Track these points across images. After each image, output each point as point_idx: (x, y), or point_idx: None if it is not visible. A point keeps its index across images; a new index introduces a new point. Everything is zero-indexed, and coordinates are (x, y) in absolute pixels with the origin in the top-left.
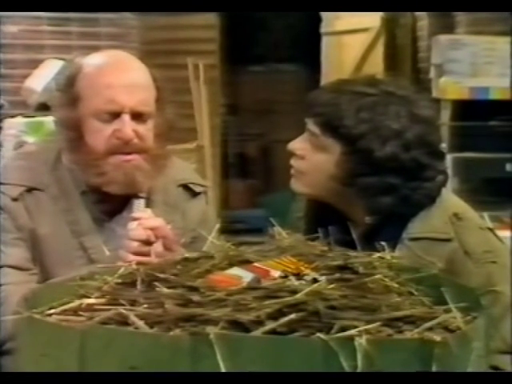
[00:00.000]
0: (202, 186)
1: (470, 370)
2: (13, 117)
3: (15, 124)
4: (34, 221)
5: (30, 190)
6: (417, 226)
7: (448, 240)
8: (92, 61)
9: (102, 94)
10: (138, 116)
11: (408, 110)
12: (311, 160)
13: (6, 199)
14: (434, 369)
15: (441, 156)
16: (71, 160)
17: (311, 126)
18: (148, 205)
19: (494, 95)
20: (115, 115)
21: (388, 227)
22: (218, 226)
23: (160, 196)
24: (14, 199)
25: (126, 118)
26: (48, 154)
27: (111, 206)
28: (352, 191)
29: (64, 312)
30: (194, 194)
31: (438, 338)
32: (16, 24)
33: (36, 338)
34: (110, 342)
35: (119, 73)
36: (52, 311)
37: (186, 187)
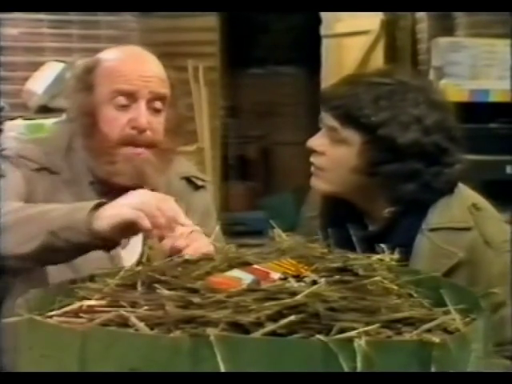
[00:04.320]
0: (204, 180)
1: (468, 371)
2: (13, 119)
3: (15, 126)
4: (48, 200)
5: (47, 169)
6: (436, 217)
7: (468, 229)
8: (111, 52)
9: (119, 79)
10: (152, 106)
11: (425, 97)
12: (332, 155)
13: (27, 169)
14: (432, 370)
15: (459, 142)
16: (84, 146)
17: (329, 120)
18: None
19: (493, 97)
20: (132, 99)
21: (407, 219)
22: (217, 228)
23: (163, 188)
24: (35, 170)
25: (142, 105)
26: (60, 141)
27: (116, 198)
28: (374, 182)
29: (65, 314)
30: (196, 188)
31: (436, 339)
32: (16, 26)
33: (36, 340)
34: (111, 344)
35: (138, 63)
36: (52, 313)
37: (188, 180)
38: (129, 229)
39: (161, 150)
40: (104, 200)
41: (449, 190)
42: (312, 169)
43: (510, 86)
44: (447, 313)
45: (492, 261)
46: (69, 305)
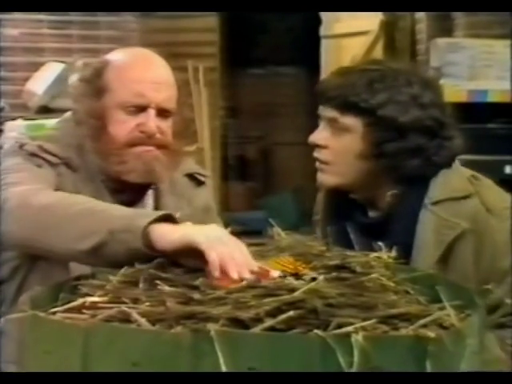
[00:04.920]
0: (205, 175)
1: (463, 366)
2: (13, 119)
3: (16, 126)
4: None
5: (67, 164)
6: (438, 190)
7: (469, 197)
8: (120, 55)
9: (130, 88)
10: (161, 112)
11: (417, 77)
12: (335, 146)
13: (55, 161)
14: (428, 364)
15: (453, 117)
16: (93, 148)
17: (328, 112)
18: (157, 194)
19: (492, 98)
20: (141, 109)
21: (409, 198)
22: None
23: (167, 186)
24: (57, 164)
25: (152, 112)
26: (71, 139)
27: (125, 196)
28: (380, 164)
29: (68, 310)
30: (199, 184)
31: (432, 334)
32: (17, 27)
33: (40, 336)
34: (113, 339)
35: (148, 68)
36: (56, 309)
37: (190, 177)
38: (191, 254)
39: (170, 151)
40: (170, 213)
41: (449, 163)
42: (317, 164)
43: (508, 86)
44: (443, 309)
45: (495, 228)
46: (72, 301)
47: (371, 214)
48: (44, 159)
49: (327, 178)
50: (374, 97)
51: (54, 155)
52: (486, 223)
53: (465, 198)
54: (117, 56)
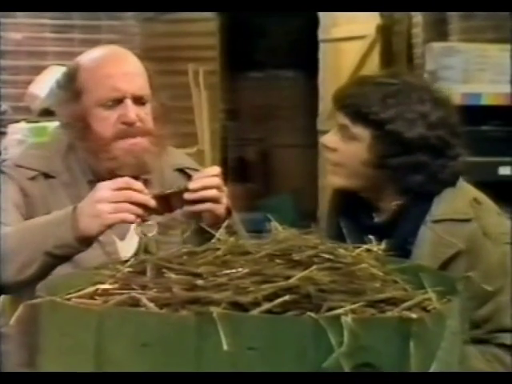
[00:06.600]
0: (196, 170)
1: (443, 344)
2: (16, 122)
3: (19, 129)
4: (46, 204)
5: (44, 175)
6: (440, 209)
7: (468, 220)
8: (90, 56)
9: (104, 84)
10: (138, 100)
11: (430, 95)
12: (344, 151)
13: (22, 179)
14: (411, 343)
15: (460, 137)
16: (83, 148)
17: (341, 118)
18: (145, 186)
19: (486, 101)
20: (118, 101)
21: (412, 211)
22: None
23: (156, 178)
24: (30, 178)
25: (129, 102)
26: (59, 144)
27: None
28: (384, 174)
29: (81, 296)
30: (189, 179)
31: (415, 316)
32: (19, 31)
33: (57, 320)
34: (124, 322)
35: (117, 63)
36: (70, 296)
37: (182, 172)
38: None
39: (154, 138)
40: (72, 206)
41: (452, 181)
42: (326, 166)
43: (501, 89)
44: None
45: (490, 251)
46: (84, 289)
47: (376, 216)
48: (15, 175)
49: (335, 179)
50: (384, 111)
51: (26, 168)
52: (482, 245)
53: (465, 221)
54: (86, 57)
